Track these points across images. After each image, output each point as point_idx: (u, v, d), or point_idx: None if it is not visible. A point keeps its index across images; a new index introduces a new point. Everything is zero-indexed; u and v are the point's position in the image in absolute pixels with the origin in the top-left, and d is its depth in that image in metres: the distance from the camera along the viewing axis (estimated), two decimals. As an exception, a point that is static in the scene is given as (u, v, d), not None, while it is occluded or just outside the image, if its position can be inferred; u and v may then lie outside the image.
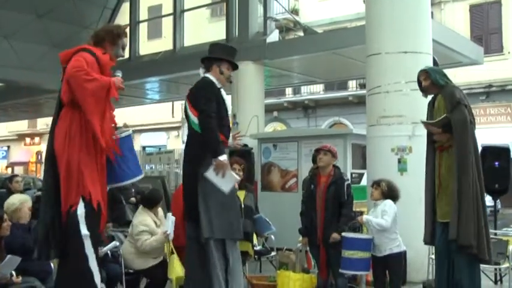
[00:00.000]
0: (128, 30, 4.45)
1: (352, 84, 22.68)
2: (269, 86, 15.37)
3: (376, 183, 5.55)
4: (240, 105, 11.97)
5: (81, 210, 3.72)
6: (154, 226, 5.69)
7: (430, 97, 7.28)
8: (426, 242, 5.04)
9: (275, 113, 24.48)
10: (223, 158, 4.39)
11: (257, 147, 10.80)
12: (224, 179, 4.42)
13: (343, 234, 5.37)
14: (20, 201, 5.12)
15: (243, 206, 6.01)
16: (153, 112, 25.95)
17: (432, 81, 4.97)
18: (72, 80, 3.85)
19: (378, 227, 5.27)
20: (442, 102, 4.86)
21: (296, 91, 24.27)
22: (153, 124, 27.83)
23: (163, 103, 22.07)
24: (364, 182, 8.82)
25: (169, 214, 5.58)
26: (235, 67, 4.96)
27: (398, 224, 5.43)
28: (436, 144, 4.94)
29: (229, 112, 4.81)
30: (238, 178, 4.52)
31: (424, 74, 5.07)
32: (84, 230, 3.67)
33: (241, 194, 6.06)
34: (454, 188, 4.58)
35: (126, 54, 14.84)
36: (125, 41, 4.31)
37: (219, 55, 4.88)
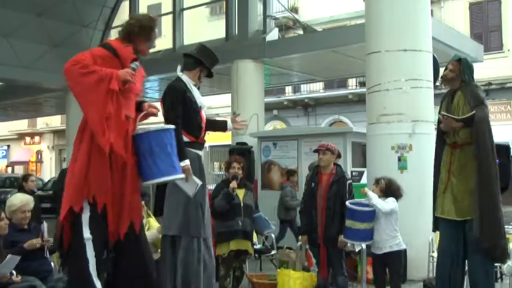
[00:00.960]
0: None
1: (352, 82, 22.64)
2: (269, 85, 15.36)
3: (376, 181, 5.54)
4: (239, 103, 11.98)
5: (86, 213, 3.58)
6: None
7: (429, 94, 7.35)
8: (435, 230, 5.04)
9: (275, 112, 24.46)
10: (185, 163, 4.31)
11: (257, 145, 10.80)
12: (187, 183, 4.39)
13: (347, 203, 5.35)
14: (21, 202, 5.05)
15: (242, 204, 6.01)
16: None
17: (459, 74, 4.82)
18: (66, 75, 3.53)
19: (379, 206, 5.24)
20: (463, 99, 4.75)
21: (296, 89, 24.24)
22: (153, 124, 27.86)
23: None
24: (364, 180, 8.83)
25: None
26: (210, 76, 5.06)
27: (399, 221, 5.42)
28: (447, 140, 4.84)
29: (203, 107, 4.85)
30: (199, 183, 4.44)
31: (456, 64, 4.89)
32: (86, 233, 3.59)
33: (241, 193, 6.07)
34: (476, 187, 4.50)
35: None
36: (156, 31, 3.98)
37: (209, 64, 4.95)
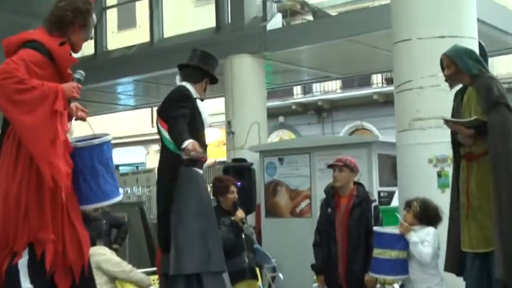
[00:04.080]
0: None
1: (376, 79, 22.66)
2: (272, 85, 15.34)
3: (408, 204, 5.51)
4: (236, 110, 11.96)
5: (23, 258, 3.49)
6: None
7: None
8: (447, 269, 4.96)
9: (281, 119, 24.46)
10: (186, 142, 4.66)
11: (259, 162, 10.77)
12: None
13: (374, 228, 5.39)
14: None
15: (243, 236, 6.16)
16: (128, 122, 25.93)
17: (459, 69, 4.79)
18: None
19: (416, 255, 5.22)
20: (474, 96, 4.71)
21: (306, 90, 24.26)
22: (128, 137, 27.79)
23: (140, 110, 22.02)
24: (395, 203, 8.77)
25: None
26: (214, 83, 5.49)
27: (441, 249, 5.39)
28: (462, 150, 4.80)
29: (207, 126, 5.23)
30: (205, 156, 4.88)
31: (447, 59, 4.90)
32: (25, 283, 3.51)
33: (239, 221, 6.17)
34: (495, 211, 4.42)
35: (91, 50, 14.89)
36: (94, 17, 3.89)
37: (212, 70, 5.34)
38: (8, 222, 3.51)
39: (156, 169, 5.30)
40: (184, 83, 5.19)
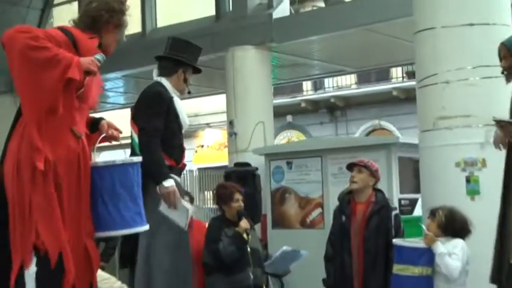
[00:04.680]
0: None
1: (396, 73, 22.65)
2: (279, 80, 15.35)
3: (432, 213, 5.51)
4: (238, 108, 11.97)
5: (31, 269, 3.48)
6: None
7: (508, 87, 7.30)
8: (494, 281, 4.96)
9: (289, 118, 24.46)
10: (169, 183, 4.72)
11: (264, 166, 10.80)
12: (176, 211, 4.74)
13: (394, 241, 5.38)
14: None
15: (249, 249, 6.14)
16: (117, 122, 26.09)
17: None
18: (7, 43, 3.47)
19: (443, 268, 5.21)
20: None
21: (317, 86, 24.26)
22: (120, 138, 27.96)
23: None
24: (418, 212, 8.77)
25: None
26: (197, 72, 5.48)
27: (470, 265, 5.39)
28: None
29: (186, 127, 5.25)
30: (191, 208, 4.81)
31: (504, 49, 4.91)
32: None
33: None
34: None
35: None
36: (127, 19, 4.09)
37: (191, 59, 5.30)
38: (15, 225, 3.52)
39: None
40: (159, 79, 5.26)
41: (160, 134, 4.96)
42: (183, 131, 5.27)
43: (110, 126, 3.96)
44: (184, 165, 5.30)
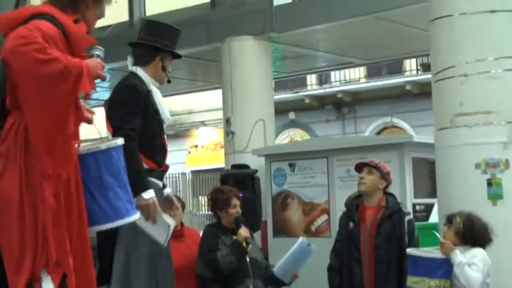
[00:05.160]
0: None
1: (409, 65, 22.67)
2: (281, 74, 15.35)
3: (449, 220, 5.51)
4: (236, 104, 11.96)
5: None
6: None
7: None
8: None
9: (291, 115, 24.48)
10: (148, 195, 4.60)
11: (265, 168, 10.81)
12: (156, 226, 4.61)
13: (408, 250, 5.37)
14: None
15: (248, 259, 6.11)
16: (103, 120, 26.09)
17: None
18: (13, 59, 3.37)
19: (462, 279, 5.20)
20: None
21: (323, 80, 24.28)
22: (104, 139, 27.97)
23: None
24: (434, 218, 8.78)
25: None
26: (177, 57, 5.32)
27: (492, 277, 5.39)
28: None
29: (168, 122, 5.14)
30: (172, 223, 4.69)
31: None
32: None
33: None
34: None
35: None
36: None
37: (169, 44, 5.15)
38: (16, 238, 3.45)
39: None
40: (134, 69, 5.11)
41: (137, 135, 4.80)
42: (164, 128, 5.16)
43: (83, 107, 3.78)
44: (167, 166, 5.19)
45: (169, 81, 5.20)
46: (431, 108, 7.72)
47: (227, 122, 11.87)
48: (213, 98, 19.59)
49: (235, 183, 9.21)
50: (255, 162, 11.00)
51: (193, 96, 19.17)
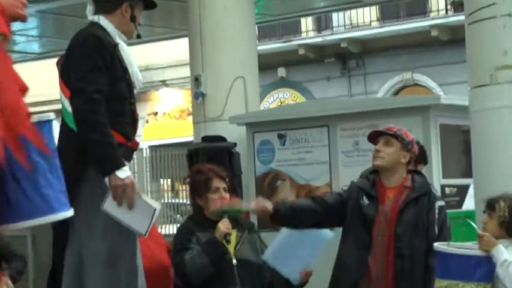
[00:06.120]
0: None
1: (436, 3, 22.72)
2: (266, 17, 15.37)
3: (490, 206, 5.54)
4: (207, 58, 11.95)
5: None
6: None
7: None
8: None
9: (281, 72, 24.54)
10: (125, 173, 4.71)
11: (246, 141, 10.89)
12: (134, 212, 4.69)
13: (436, 245, 5.40)
14: None
15: (234, 261, 6.14)
16: (31, 80, 25.97)
17: None
18: None
19: (508, 282, 5.25)
20: None
21: (322, 24, 24.33)
22: (34, 104, 27.83)
23: (50, 60, 22.07)
24: (469, 204, 8.85)
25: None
26: (150, 7, 5.44)
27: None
28: None
29: (139, 85, 5.29)
30: (158, 206, 4.80)
31: None
32: None
33: (232, 238, 6.20)
34: None
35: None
36: None
37: None
38: None
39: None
40: (96, 18, 5.17)
41: (105, 99, 4.88)
42: (135, 92, 5.26)
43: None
44: (137, 143, 5.28)
45: (139, 36, 5.35)
46: (464, 60, 7.76)
47: (196, 80, 11.85)
48: (177, 50, 19.58)
49: (207, 161, 9.23)
50: (234, 134, 11.00)
51: (152, 47, 19.14)
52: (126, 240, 4.96)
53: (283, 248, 6.22)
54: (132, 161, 5.39)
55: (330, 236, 6.21)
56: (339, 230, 6.09)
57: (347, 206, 5.80)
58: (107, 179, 4.74)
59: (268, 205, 5.93)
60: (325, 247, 6.18)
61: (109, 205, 4.71)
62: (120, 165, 4.74)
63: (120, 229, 4.90)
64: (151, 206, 4.78)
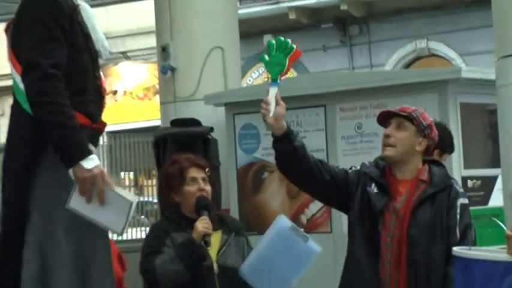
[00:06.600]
0: None
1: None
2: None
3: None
4: (177, 24, 12.00)
5: None
6: None
7: None
8: None
9: (267, 39, 24.60)
10: (92, 163, 4.71)
11: (226, 125, 10.99)
12: (106, 208, 4.72)
13: (455, 249, 5.40)
14: None
15: (216, 268, 6.23)
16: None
17: None
18: None
19: None
20: None
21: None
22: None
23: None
24: (496, 200, 8.94)
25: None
26: None
27: None
28: None
29: (106, 55, 5.27)
30: (134, 200, 4.82)
31: None
32: None
33: (216, 240, 6.30)
34: None
35: None
36: None
37: None
38: None
39: (6, 139, 5.21)
40: None
41: (63, 73, 4.84)
42: (100, 62, 5.23)
43: None
44: (103, 124, 5.25)
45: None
46: (489, 24, 7.80)
47: (163, 51, 11.89)
48: (140, 14, 19.62)
49: (177, 150, 9.25)
50: (210, 116, 11.06)
51: (109, 11, 19.19)
52: (97, 237, 4.97)
53: (263, 261, 6.21)
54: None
55: (319, 250, 6.20)
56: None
57: (354, 193, 5.79)
58: (71, 171, 4.73)
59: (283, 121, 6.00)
60: (311, 263, 6.18)
61: (76, 202, 4.71)
62: (86, 154, 4.72)
63: (89, 224, 4.90)
64: (126, 199, 4.78)
